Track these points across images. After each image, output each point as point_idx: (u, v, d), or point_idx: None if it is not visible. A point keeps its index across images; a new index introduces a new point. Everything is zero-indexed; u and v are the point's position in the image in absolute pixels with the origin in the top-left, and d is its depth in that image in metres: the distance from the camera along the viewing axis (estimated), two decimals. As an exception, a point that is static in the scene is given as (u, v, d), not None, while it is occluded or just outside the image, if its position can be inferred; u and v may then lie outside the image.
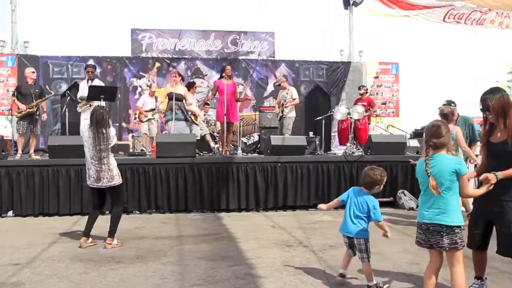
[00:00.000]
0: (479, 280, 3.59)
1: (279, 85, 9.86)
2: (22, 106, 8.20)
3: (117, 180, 5.32)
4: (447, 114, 6.11)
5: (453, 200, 3.10)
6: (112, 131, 5.38)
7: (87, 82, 9.10)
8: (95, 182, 5.27)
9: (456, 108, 6.63)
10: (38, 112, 8.40)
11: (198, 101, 11.01)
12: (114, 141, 5.38)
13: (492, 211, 3.29)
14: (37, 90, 8.46)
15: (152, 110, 10.19)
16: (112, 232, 5.28)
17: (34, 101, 8.26)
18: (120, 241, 5.32)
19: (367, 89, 10.92)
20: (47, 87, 8.74)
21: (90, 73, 9.17)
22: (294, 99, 9.52)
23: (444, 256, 3.22)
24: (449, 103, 6.78)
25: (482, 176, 3.17)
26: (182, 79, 9.35)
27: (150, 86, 11.02)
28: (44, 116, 8.70)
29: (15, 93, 8.45)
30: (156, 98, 10.46)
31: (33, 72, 8.67)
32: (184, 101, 9.02)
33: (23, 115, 8.25)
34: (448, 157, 3.15)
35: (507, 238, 3.23)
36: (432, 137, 3.16)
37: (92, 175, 5.27)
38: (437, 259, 3.22)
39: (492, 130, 3.39)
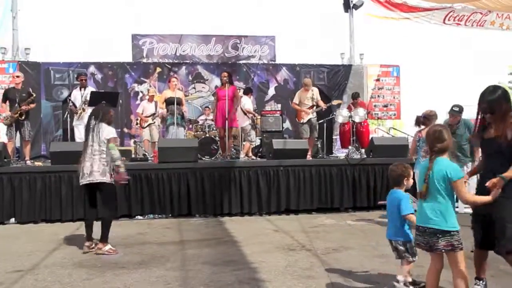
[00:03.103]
0: (480, 281, 3.56)
1: (307, 85, 9.61)
2: (7, 113, 8.26)
3: (108, 178, 5.21)
4: (426, 116, 6.16)
5: (448, 205, 3.12)
6: (108, 128, 5.25)
7: (80, 89, 9.17)
8: (88, 177, 5.16)
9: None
10: (23, 117, 8.31)
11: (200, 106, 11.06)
12: (110, 136, 5.25)
13: (489, 207, 3.26)
14: (23, 95, 8.39)
15: (153, 115, 10.20)
16: (104, 237, 5.20)
17: (18, 106, 8.24)
18: (113, 249, 5.20)
19: (358, 96, 10.96)
20: (30, 89, 8.70)
21: (83, 81, 9.20)
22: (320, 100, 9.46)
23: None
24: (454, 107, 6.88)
25: (489, 183, 3.15)
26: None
27: (148, 92, 11.04)
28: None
29: (2, 97, 8.47)
30: (155, 103, 10.46)
31: (18, 77, 8.64)
32: (181, 105, 9.11)
33: (9, 122, 8.28)
34: (444, 162, 3.16)
35: (496, 232, 3.25)
36: (435, 142, 3.19)
37: (86, 172, 5.16)
38: (437, 261, 3.24)
39: (487, 128, 3.43)
